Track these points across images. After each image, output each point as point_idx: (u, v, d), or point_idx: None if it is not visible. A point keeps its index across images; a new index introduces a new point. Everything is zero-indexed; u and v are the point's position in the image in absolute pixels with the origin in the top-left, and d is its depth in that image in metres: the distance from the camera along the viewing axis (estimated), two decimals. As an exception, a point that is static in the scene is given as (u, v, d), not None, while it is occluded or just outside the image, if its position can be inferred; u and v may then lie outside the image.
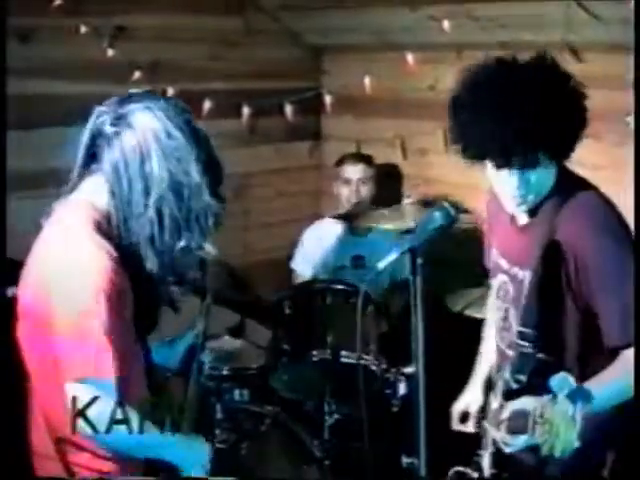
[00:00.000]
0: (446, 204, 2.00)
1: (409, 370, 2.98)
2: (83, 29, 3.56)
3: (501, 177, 2.05)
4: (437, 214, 1.98)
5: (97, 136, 1.82)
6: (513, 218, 2.20)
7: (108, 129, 1.80)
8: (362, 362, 2.98)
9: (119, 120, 1.80)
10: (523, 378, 2.03)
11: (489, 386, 2.39)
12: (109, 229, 1.81)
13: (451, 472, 2.12)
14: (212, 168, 1.85)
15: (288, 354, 3.10)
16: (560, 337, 2.07)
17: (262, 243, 4.51)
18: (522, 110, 1.92)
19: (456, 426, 2.47)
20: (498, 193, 2.14)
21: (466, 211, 2.72)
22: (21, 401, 2.01)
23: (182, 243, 1.82)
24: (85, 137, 1.84)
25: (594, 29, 3.10)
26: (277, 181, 4.58)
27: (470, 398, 2.48)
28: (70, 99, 3.62)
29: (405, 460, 2.87)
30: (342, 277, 3.57)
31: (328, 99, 3.91)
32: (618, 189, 2.18)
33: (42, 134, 3.58)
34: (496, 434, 2.04)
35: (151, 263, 1.81)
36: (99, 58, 3.65)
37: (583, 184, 2.12)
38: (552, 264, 2.03)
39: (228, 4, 4.22)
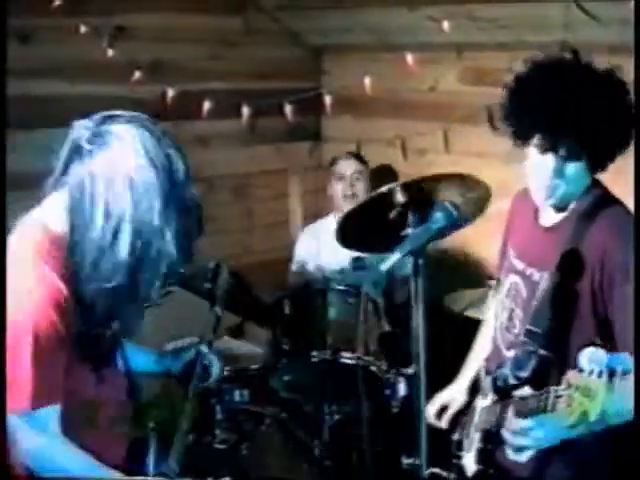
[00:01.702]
0: (447, 204, 2.00)
1: (409, 370, 2.98)
2: (83, 29, 3.55)
3: (539, 164, 2.05)
4: (438, 215, 1.98)
5: (73, 150, 1.77)
6: (538, 218, 2.20)
7: (84, 145, 1.74)
8: (362, 362, 2.98)
9: (96, 138, 1.74)
10: (524, 375, 2.03)
11: (474, 389, 2.40)
12: (58, 253, 1.75)
13: (426, 473, 2.11)
14: (186, 217, 1.78)
15: (288, 354, 3.10)
16: (569, 340, 2.06)
17: (262, 243, 4.51)
18: (583, 107, 1.96)
19: (430, 420, 2.46)
20: (530, 184, 2.14)
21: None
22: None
23: (118, 282, 1.73)
24: (64, 150, 1.79)
25: (594, 29, 3.10)
26: (277, 181, 4.58)
27: (453, 395, 2.49)
28: (70, 99, 3.62)
29: (405, 460, 2.87)
30: (342, 278, 3.57)
31: (328, 99, 3.91)
32: (618, 190, 2.18)
33: (42, 134, 3.58)
34: (502, 425, 2.03)
35: (87, 288, 1.74)
36: (99, 58, 3.65)
37: (613, 197, 2.14)
38: (575, 270, 2.03)
39: (228, 4, 4.22)
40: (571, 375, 1.74)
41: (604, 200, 2.11)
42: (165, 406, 2.19)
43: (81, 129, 1.77)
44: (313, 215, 4.50)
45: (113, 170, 1.71)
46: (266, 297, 3.54)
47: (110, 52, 3.66)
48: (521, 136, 2.09)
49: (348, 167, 4.00)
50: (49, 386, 1.73)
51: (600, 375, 1.67)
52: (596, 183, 2.13)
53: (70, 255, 1.75)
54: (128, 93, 3.75)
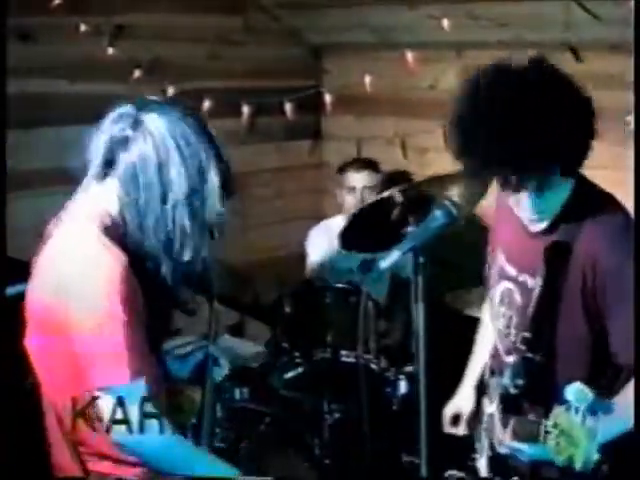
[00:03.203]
0: (447, 203, 1.99)
1: (409, 369, 2.99)
2: (83, 28, 3.56)
3: (512, 197, 1.98)
4: (439, 213, 1.97)
5: (113, 141, 1.79)
6: (524, 224, 2.09)
7: (125, 133, 1.78)
8: (362, 361, 2.98)
9: (137, 125, 1.77)
10: (522, 383, 2.02)
11: (481, 390, 2.38)
12: (119, 235, 1.79)
13: (447, 475, 2.10)
14: (226, 175, 1.85)
15: (288, 353, 3.10)
16: (566, 346, 2.03)
17: (262, 242, 4.51)
18: (526, 127, 1.81)
19: (447, 429, 2.44)
20: (511, 202, 2.03)
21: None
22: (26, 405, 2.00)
23: (192, 252, 1.80)
24: (101, 141, 1.81)
25: (594, 29, 3.10)
26: (277, 180, 4.58)
27: (462, 401, 2.46)
28: (70, 99, 3.63)
29: (405, 459, 2.88)
30: (350, 279, 3.55)
31: (328, 98, 3.91)
32: (618, 189, 2.17)
33: (42, 134, 3.58)
34: (502, 440, 2.03)
35: (166, 269, 1.79)
36: (99, 57, 3.65)
37: (602, 195, 2.04)
38: (567, 276, 1.98)
39: (228, 3, 4.22)
40: (558, 412, 1.72)
41: (591, 200, 2.01)
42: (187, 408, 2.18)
43: (118, 120, 1.80)
44: (313, 215, 4.51)
45: (162, 151, 1.76)
46: (266, 296, 3.54)
47: (110, 51, 3.67)
48: (477, 175, 1.98)
49: (359, 180, 3.82)
50: (142, 358, 1.74)
51: (584, 415, 1.65)
52: (580, 182, 2.02)
53: (130, 238, 1.79)
54: (128, 92, 3.75)
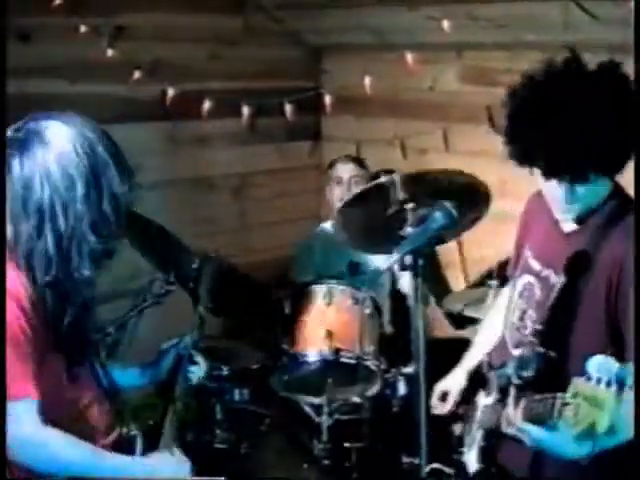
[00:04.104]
0: (447, 204, 1.99)
1: (409, 370, 2.99)
2: (83, 29, 3.55)
3: (549, 186, 2.02)
4: (438, 214, 1.97)
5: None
6: (557, 222, 2.15)
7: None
8: (362, 362, 2.98)
9: (15, 141, 1.81)
10: (528, 375, 2.02)
11: (475, 384, 2.39)
12: (12, 254, 1.81)
13: (427, 469, 2.10)
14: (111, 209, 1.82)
15: (288, 354, 3.10)
16: (578, 342, 2.04)
17: (262, 243, 4.51)
18: (577, 124, 1.87)
19: (435, 405, 2.47)
20: (546, 196, 2.10)
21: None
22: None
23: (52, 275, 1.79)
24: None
25: (594, 30, 3.10)
26: (277, 181, 4.58)
27: (453, 381, 2.49)
28: (70, 99, 3.62)
29: (405, 460, 2.87)
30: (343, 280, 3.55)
31: (328, 99, 3.90)
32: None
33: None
34: (511, 423, 2.02)
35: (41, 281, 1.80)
36: (99, 58, 3.64)
37: (633, 203, 2.08)
38: (592, 277, 2.01)
39: (228, 4, 4.22)
40: (578, 383, 1.71)
41: (624, 208, 2.05)
42: (150, 409, 2.18)
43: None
44: (313, 215, 4.50)
45: (32, 167, 1.77)
46: (266, 296, 3.54)
47: (110, 52, 3.66)
48: (525, 163, 2.02)
49: (346, 171, 3.91)
50: (21, 379, 1.74)
51: (609, 384, 1.65)
52: (617, 189, 2.08)
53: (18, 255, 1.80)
54: (128, 93, 3.75)
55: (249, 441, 2.88)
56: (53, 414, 1.79)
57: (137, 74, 3.69)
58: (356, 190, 3.66)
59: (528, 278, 2.23)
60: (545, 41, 3.27)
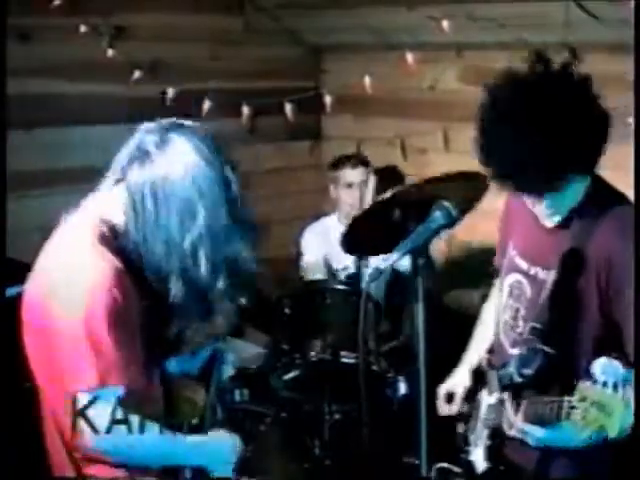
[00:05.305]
0: (446, 203, 1.99)
1: (409, 371, 2.99)
2: (83, 29, 3.55)
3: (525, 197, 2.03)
4: (438, 214, 1.97)
5: (136, 152, 1.80)
6: (538, 219, 2.13)
7: (150, 149, 1.78)
8: (362, 362, 2.98)
9: (164, 144, 1.78)
10: (529, 372, 2.02)
11: (478, 381, 2.39)
12: (117, 243, 1.79)
13: (434, 468, 2.10)
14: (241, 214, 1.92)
15: (288, 354, 3.10)
16: (576, 338, 2.04)
17: (262, 242, 4.50)
18: (544, 132, 1.86)
19: (441, 407, 2.46)
20: (526, 199, 2.08)
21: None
22: (28, 405, 2.00)
23: (218, 284, 1.81)
24: (128, 151, 1.81)
25: (594, 29, 3.10)
26: (277, 181, 4.58)
27: (456, 380, 2.48)
28: (70, 99, 3.63)
29: (405, 460, 2.87)
30: (345, 277, 3.56)
31: (328, 99, 3.91)
32: (618, 189, 2.17)
33: (42, 134, 3.58)
34: (513, 425, 2.03)
35: (176, 294, 1.79)
36: (99, 58, 3.65)
37: (616, 194, 2.08)
38: (581, 270, 2.00)
39: (228, 4, 4.22)
40: (584, 387, 1.72)
41: (607, 198, 2.05)
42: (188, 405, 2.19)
43: (148, 134, 1.81)
44: (313, 215, 4.50)
45: (186, 177, 1.77)
46: (266, 296, 3.54)
47: (110, 52, 3.67)
48: (498, 180, 2.00)
49: (356, 175, 3.89)
50: (118, 364, 1.74)
51: (615, 387, 1.65)
52: (596, 181, 2.06)
53: (132, 247, 1.79)
54: (128, 93, 3.75)
55: (249, 441, 2.88)
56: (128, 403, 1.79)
57: (137, 74, 3.70)
58: (368, 197, 3.80)
59: (516, 277, 2.22)
60: (545, 41, 3.27)
